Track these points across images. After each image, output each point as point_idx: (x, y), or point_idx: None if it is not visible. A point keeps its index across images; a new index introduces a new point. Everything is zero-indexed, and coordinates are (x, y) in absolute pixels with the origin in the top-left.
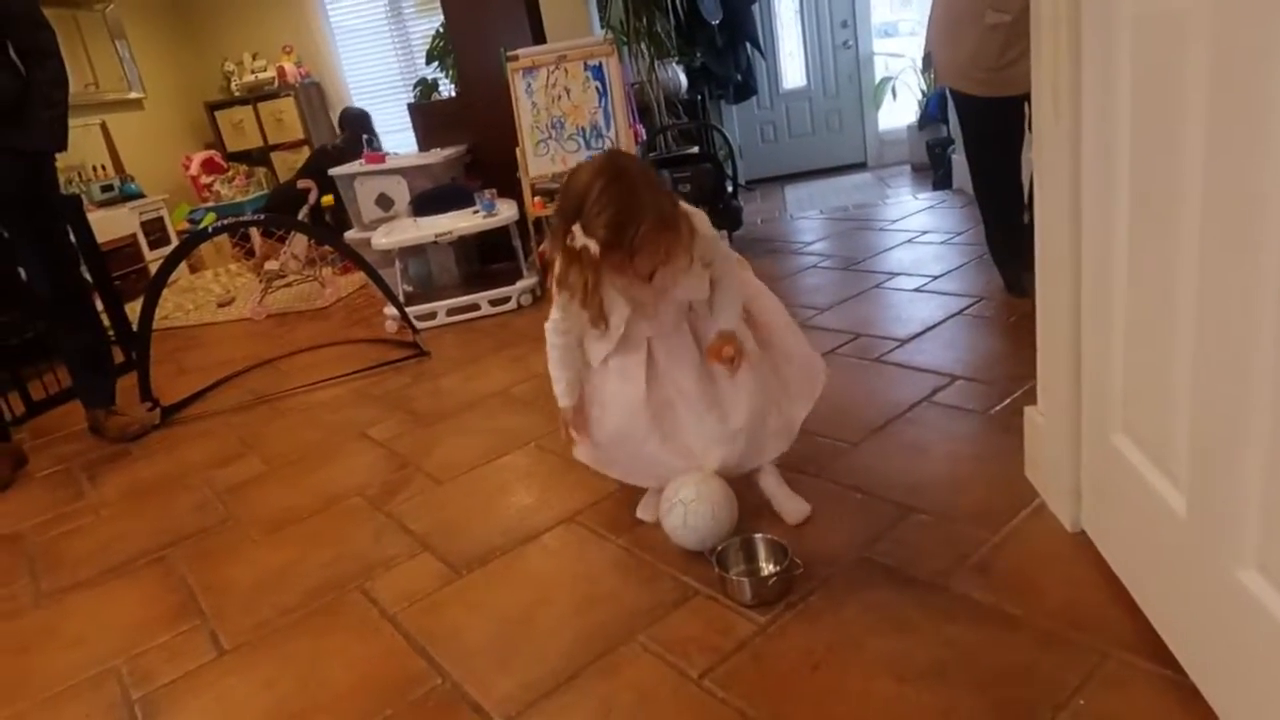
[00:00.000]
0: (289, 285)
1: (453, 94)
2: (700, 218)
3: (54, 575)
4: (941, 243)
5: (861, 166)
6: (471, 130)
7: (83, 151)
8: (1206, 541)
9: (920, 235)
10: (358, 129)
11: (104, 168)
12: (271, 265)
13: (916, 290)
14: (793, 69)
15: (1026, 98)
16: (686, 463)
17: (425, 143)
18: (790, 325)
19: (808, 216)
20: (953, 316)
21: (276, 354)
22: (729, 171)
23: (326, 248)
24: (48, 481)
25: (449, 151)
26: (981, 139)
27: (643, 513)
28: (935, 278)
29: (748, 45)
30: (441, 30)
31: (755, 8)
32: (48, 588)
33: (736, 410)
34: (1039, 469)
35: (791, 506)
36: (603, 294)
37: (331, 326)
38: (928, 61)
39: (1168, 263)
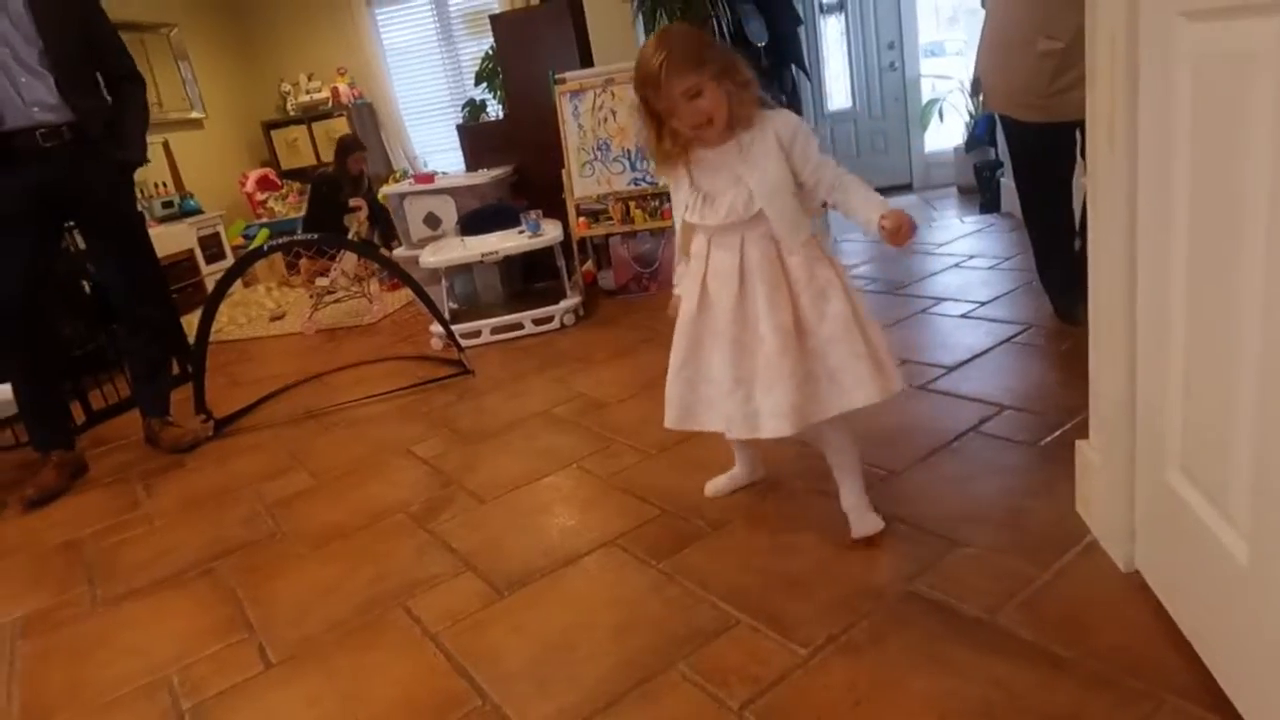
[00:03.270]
0: (338, 301)
1: (500, 115)
2: (786, 114)
3: (110, 583)
4: (989, 268)
5: (907, 188)
6: (518, 151)
7: (146, 169)
8: (1270, 591)
9: (967, 260)
10: (339, 158)
11: (165, 185)
12: (322, 281)
13: (963, 316)
14: (838, 90)
15: (1079, 124)
16: (708, 417)
17: (473, 163)
18: (872, 317)
19: (852, 239)
20: (1001, 344)
21: (325, 369)
22: None
23: (374, 264)
24: (106, 490)
25: (496, 172)
26: (1032, 165)
27: (710, 488)
28: (983, 304)
29: (793, 67)
30: (490, 52)
31: (801, 30)
32: (104, 595)
33: (768, 395)
34: (1091, 505)
35: (856, 519)
36: (670, 149)
37: (379, 342)
38: (977, 87)
39: (1231, 298)
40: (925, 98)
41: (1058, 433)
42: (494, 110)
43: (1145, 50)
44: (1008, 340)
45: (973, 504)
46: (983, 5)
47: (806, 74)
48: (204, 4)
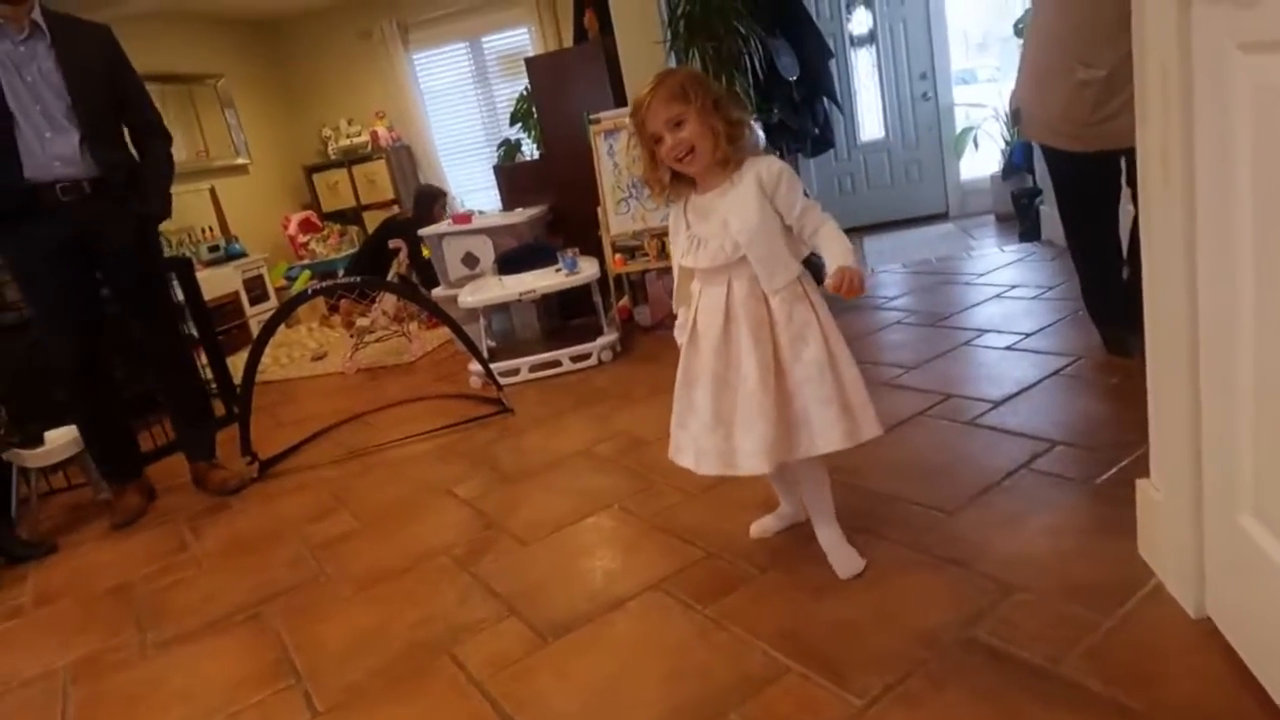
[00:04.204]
0: (379, 340)
1: (535, 155)
2: (773, 161)
3: (159, 627)
4: (1032, 298)
5: (943, 217)
6: (553, 190)
7: (193, 215)
8: None
9: (1009, 290)
10: (426, 206)
11: (211, 229)
12: (362, 321)
13: (1008, 348)
14: (871, 121)
15: (1123, 152)
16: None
17: (509, 202)
18: (850, 360)
19: (889, 270)
20: (1049, 377)
21: (366, 408)
22: None
23: (413, 304)
24: (154, 532)
25: (532, 211)
26: (1076, 195)
27: (757, 528)
28: (1027, 335)
29: (825, 100)
30: (525, 93)
31: (832, 63)
32: (153, 640)
33: (748, 434)
34: (1155, 548)
35: (841, 557)
36: (663, 179)
37: (418, 381)
38: (1016, 116)
39: None
40: (959, 126)
41: (1113, 470)
42: (529, 150)
43: (1200, 82)
44: (1055, 373)
45: (1028, 545)
46: (1016, 34)
47: (839, 106)
48: (249, 54)
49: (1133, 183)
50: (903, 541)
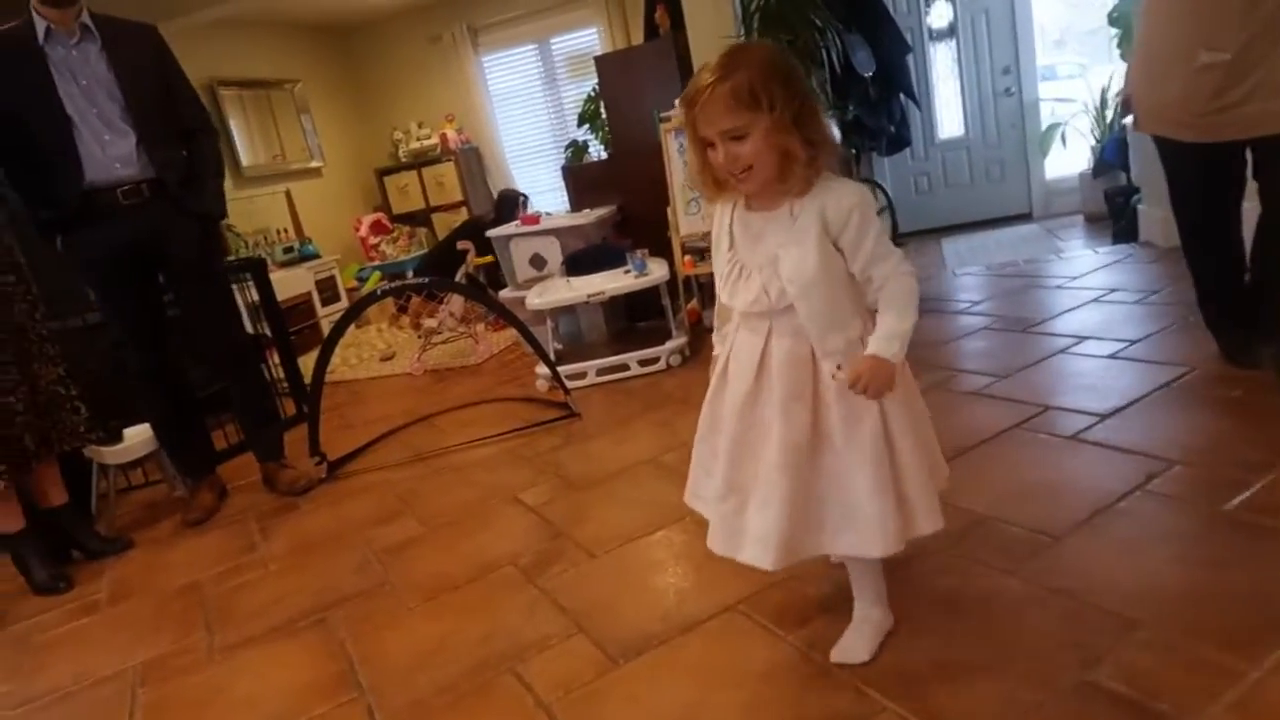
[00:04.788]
0: (446, 342)
1: (602, 155)
2: (847, 192)
3: (227, 630)
4: (1135, 302)
5: (1026, 218)
6: (621, 190)
7: (269, 216)
8: None
9: (1107, 294)
10: (509, 209)
11: (286, 231)
12: (430, 323)
13: (1111, 357)
14: (950, 118)
15: (1248, 143)
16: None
17: (577, 203)
18: (913, 431)
19: (971, 272)
20: (1159, 389)
21: (433, 410)
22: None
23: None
24: (224, 531)
25: (600, 211)
26: (1192, 190)
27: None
28: (1132, 343)
29: (901, 96)
30: (593, 94)
31: (910, 58)
32: (221, 643)
33: (761, 512)
34: None
35: (855, 640)
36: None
37: (485, 383)
38: (1126, 107)
39: None
40: (1044, 122)
41: (1245, 494)
42: (595, 151)
43: None
44: (1166, 384)
45: (1149, 577)
46: (1111, 24)
47: (916, 102)
48: (324, 60)
49: (1262, 176)
50: (1004, 569)
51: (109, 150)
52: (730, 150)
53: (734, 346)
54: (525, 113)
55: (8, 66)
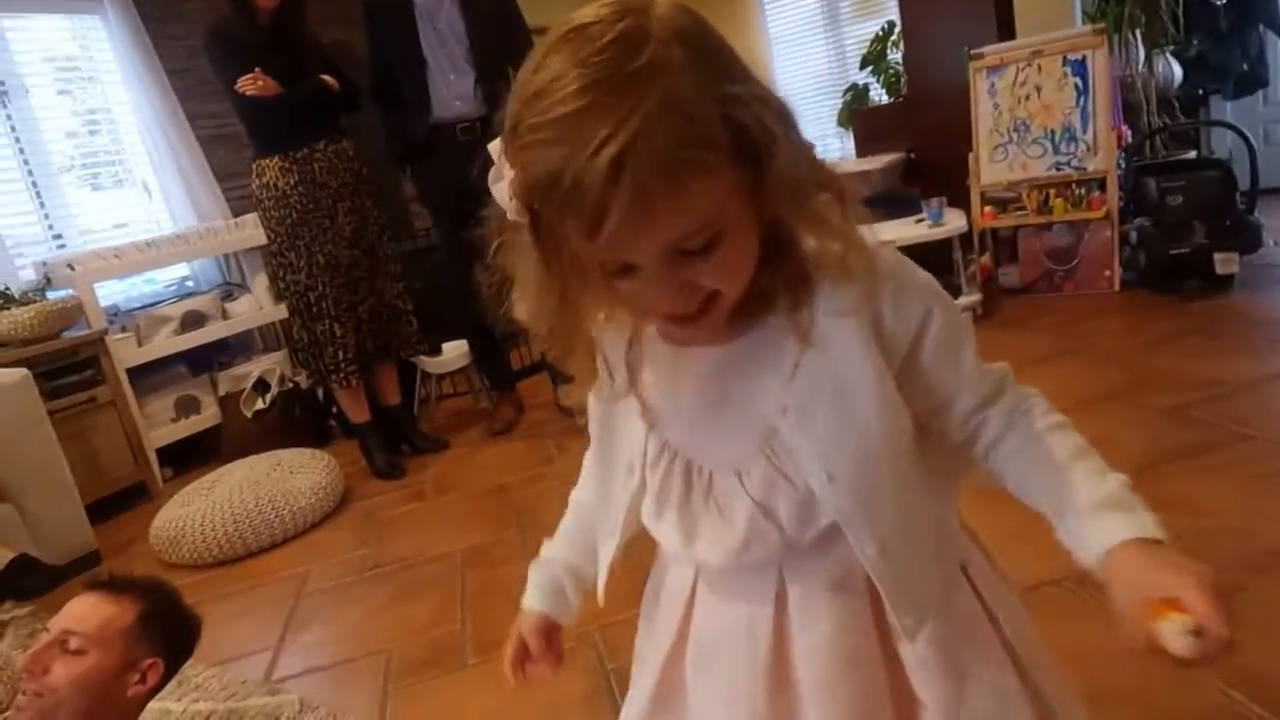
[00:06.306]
0: None
1: (882, 100)
2: (909, 263)
3: (534, 529)
4: None
5: None
6: (913, 135)
7: None
8: None
9: None
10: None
11: None
12: None
13: None
14: None
15: None
16: None
17: (863, 149)
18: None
19: None
20: None
21: None
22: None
23: None
24: (525, 443)
25: (888, 157)
26: None
27: None
28: None
29: (1260, 27)
30: (881, 33)
31: None
32: (532, 541)
33: None
34: None
35: None
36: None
37: None
38: None
39: None
40: None
41: None
42: (876, 95)
43: None
44: None
45: None
46: None
47: (1278, 35)
48: None
49: None
50: None
51: (453, 89)
52: (680, 273)
53: (696, 627)
54: (804, 56)
55: (388, 22)
